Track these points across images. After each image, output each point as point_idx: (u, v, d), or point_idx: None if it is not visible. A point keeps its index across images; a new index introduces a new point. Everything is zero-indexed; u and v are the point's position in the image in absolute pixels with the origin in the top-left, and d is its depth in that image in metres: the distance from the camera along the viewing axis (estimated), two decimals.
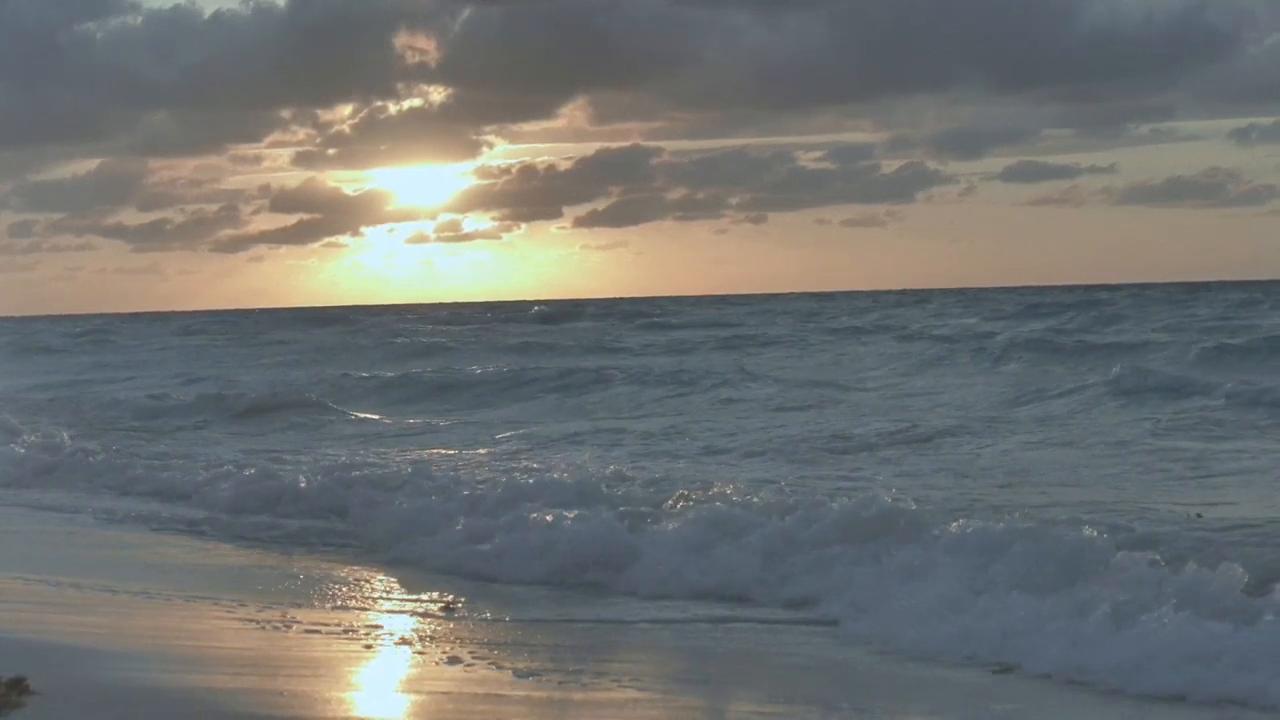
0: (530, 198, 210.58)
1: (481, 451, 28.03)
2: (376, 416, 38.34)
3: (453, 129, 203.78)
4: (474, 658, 11.79)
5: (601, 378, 44.46)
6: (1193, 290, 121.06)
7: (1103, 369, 38.99)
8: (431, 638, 12.81)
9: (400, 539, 17.82)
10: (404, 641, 12.68)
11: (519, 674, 11.20)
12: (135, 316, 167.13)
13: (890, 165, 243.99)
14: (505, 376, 46.41)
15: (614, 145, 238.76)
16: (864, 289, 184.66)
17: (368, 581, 16.03)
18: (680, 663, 12.16)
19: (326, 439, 32.40)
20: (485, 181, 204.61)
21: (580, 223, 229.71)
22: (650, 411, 37.44)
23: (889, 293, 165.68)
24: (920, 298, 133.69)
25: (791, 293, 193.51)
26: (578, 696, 10.59)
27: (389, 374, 49.87)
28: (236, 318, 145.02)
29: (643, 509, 17.59)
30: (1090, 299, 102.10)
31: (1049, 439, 26.36)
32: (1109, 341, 51.52)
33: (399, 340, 77.71)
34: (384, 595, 15.35)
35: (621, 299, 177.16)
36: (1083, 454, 24.06)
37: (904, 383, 42.93)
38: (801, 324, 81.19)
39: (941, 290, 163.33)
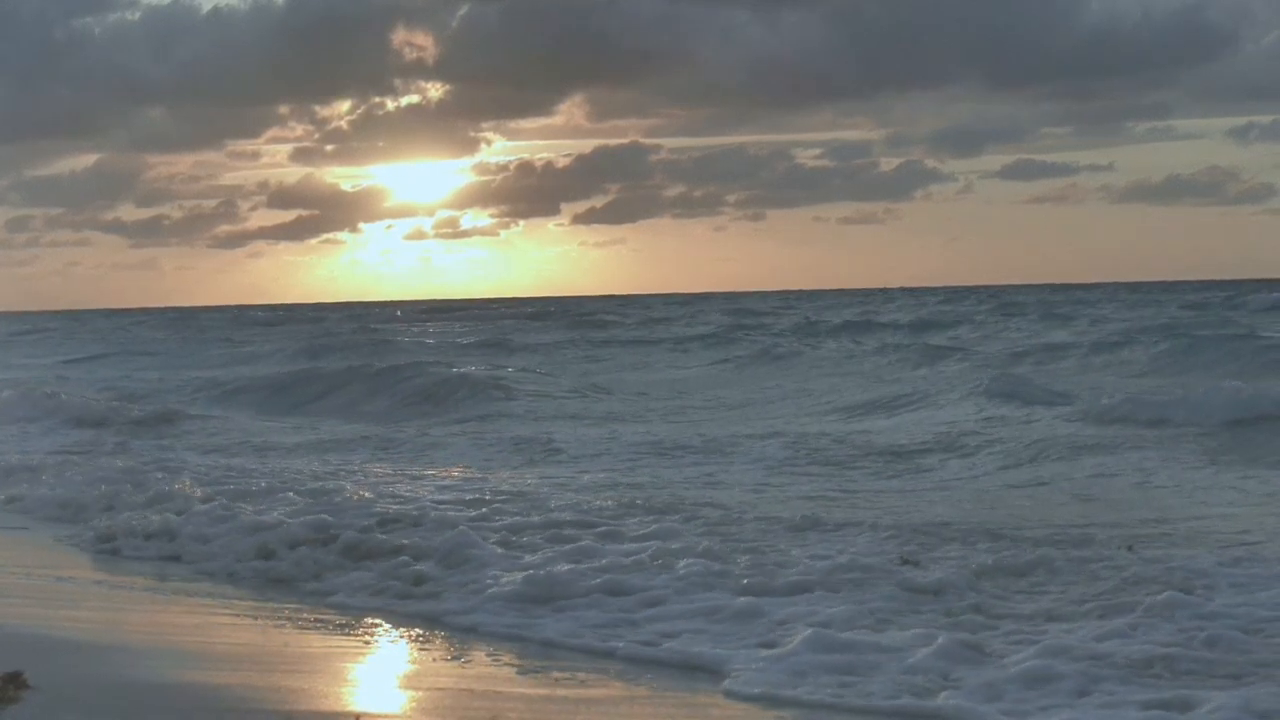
0: (528, 194, 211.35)
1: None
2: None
3: (451, 125, 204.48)
4: (473, 655, 11.74)
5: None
6: (1174, 289, 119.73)
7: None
8: (432, 635, 12.67)
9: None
10: (404, 638, 12.59)
11: (519, 671, 11.13)
12: (112, 313, 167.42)
13: (888, 163, 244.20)
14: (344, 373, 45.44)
15: (612, 142, 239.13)
16: (862, 287, 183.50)
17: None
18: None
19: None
20: (483, 178, 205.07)
21: (578, 220, 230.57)
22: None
23: (880, 290, 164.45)
24: (898, 296, 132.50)
25: (790, 290, 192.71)
26: (576, 694, 10.49)
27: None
28: (188, 315, 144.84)
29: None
30: (1058, 298, 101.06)
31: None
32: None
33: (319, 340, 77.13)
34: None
35: (613, 297, 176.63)
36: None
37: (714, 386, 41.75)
38: (736, 322, 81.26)
39: (938, 289, 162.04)
